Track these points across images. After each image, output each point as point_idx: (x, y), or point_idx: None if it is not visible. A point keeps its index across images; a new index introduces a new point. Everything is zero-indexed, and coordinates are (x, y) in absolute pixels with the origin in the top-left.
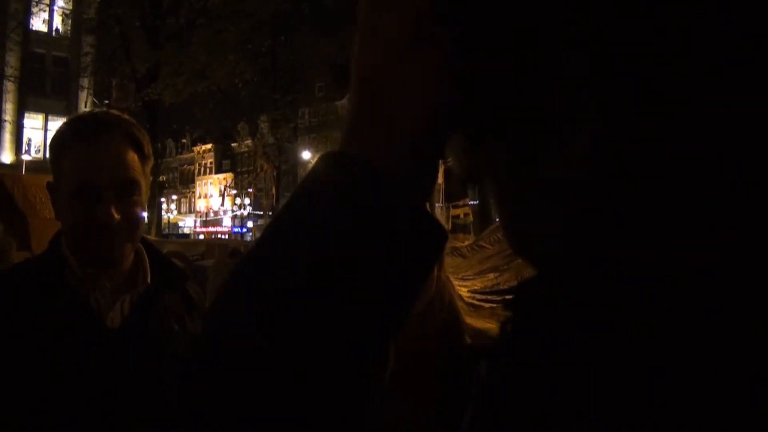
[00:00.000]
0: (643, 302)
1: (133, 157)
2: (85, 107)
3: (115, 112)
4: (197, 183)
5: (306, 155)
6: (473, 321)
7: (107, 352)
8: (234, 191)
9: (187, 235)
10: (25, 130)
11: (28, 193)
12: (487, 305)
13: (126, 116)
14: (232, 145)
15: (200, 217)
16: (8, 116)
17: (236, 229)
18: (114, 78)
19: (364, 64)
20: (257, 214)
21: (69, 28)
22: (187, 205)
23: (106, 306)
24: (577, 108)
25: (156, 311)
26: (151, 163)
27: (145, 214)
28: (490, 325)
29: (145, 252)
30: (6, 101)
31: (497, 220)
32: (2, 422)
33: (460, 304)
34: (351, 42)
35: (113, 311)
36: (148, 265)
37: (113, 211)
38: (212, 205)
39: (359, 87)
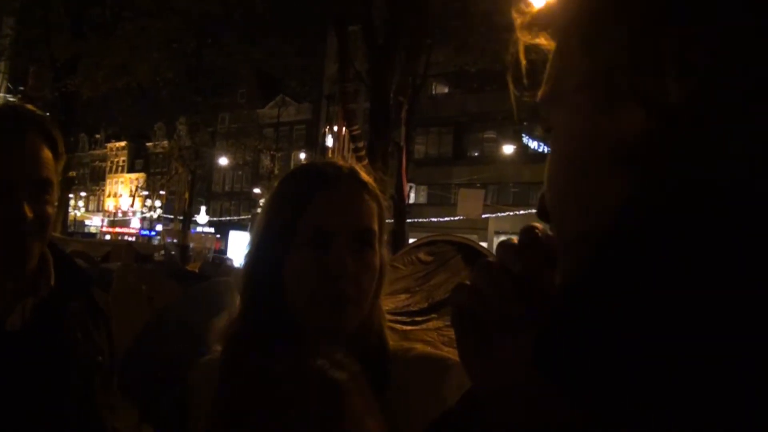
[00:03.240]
0: None
1: (48, 155)
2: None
3: (30, 107)
4: (108, 181)
5: (223, 161)
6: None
7: (4, 357)
8: (145, 192)
9: (93, 235)
10: None
11: None
12: (398, 326)
13: (40, 112)
14: (147, 144)
15: (108, 216)
16: None
17: (144, 232)
18: (32, 65)
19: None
20: (168, 218)
21: None
22: (96, 203)
23: (6, 309)
24: None
25: (59, 317)
26: (63, 161)
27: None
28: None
29: (49, 253)
30: None
31: (410, 242)
32: None
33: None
34: (279, 50)
35: (13, 315)
36: (52, 267)
37: (26, 209)
38: (121, 205)
39: None
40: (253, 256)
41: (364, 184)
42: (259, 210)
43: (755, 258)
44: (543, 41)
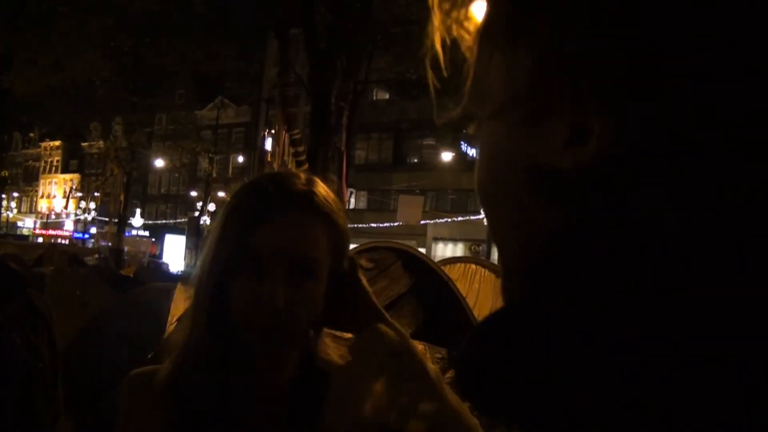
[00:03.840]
0: None
1: None
2: None
3: None
4: (41, 181)
5: (159, 163)
6: None
7: None
8: (79, 194)
9: (26, 237)
10: None
11: None
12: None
13: None
14: (82, 144)
15: (41, 218)
16: None
17: (78, 235)
18: None
19: None
20: (102, 220)
21: None
22: (29, 204)
23: None
24: None
25: None
26: None
27: None
28: None
29: None
30: None
31: (351, 247)
32: None
33: None
34: (218, 52)
35: None
36: None
37: None
38: (55, 206)
39: None
40: (206, 272)
41: (317, 208)
42: (197, 214)
43: (668, 301)
44: (465, 35)
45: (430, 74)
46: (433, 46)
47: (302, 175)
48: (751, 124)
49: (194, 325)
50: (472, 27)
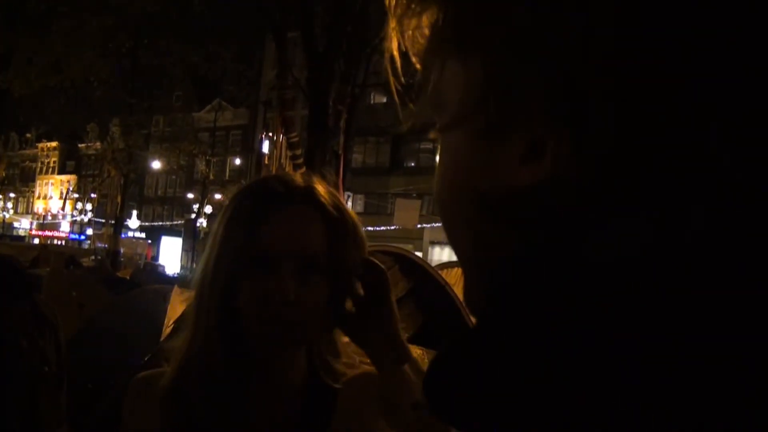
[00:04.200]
0: None
1: None
2: None
3: None
4: (38, 182)
5: (156, 165)
6: None
7: None
8: (76, 195)
9: (22, 238)
10: None
11: None
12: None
13: None
14: (80, 145)
15: (38, 219)
16: None
17: (74, 236)
18: None
19: None
20: (99, 222)
21: None
22: (25, 205)
23: None
24: None
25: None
26: None
27: None
28: None
29: None
30: None
31: None
32: None
33: None
34: (216, 54)
35: None
36: None
37: None
38: (51, 207)
39: None
40: (210, 274)
41: (319, 203)
42: (194, 216)
43: (628, 329)
44: (419, 40)
45: (391, 79)
46: (391, 51)
47: (301, 174)
48: (710, 130)
49: (197, 328)
50: (425, 33)
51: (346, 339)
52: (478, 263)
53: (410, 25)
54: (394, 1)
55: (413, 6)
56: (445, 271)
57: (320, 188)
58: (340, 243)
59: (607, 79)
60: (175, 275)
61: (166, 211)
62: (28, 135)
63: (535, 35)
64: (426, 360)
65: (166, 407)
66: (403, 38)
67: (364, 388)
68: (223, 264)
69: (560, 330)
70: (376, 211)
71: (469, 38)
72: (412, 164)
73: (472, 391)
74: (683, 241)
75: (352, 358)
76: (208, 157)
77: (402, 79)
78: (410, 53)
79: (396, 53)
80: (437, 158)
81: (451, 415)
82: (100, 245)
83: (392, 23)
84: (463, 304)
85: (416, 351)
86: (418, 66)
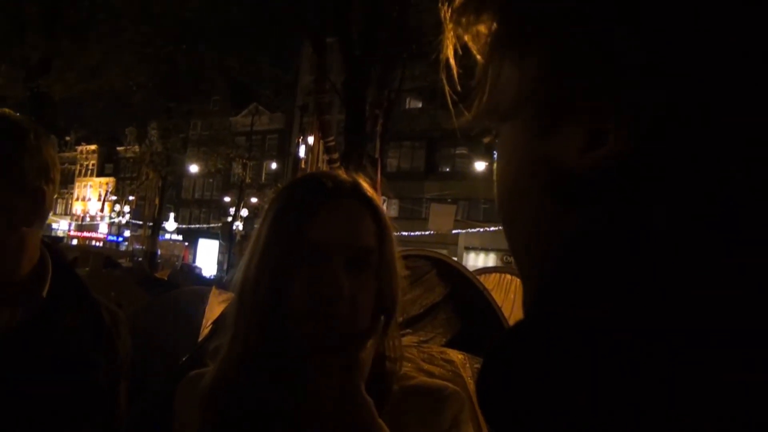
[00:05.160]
0: None
1: None
2: None
3: (12, 113)
4: (77, 184)
5: (193, 168)
6: None
7: None
8: (114, 197)
9: (60, 239)
10: None
11: None
12: None
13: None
14: (118, 149)
15: (76, 220)
16: None
17: (112, 238)
18: (3, 64)
19: None
20: (136, 224)
21: None
22: (64, 206)
23: None
24: None
25: (47, 333)
26: None
27: None
28: None
29: (49, 260)
30: None
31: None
32: None
33: None
34: (253, 59)
35: None
36: (49, 275)
37: None
38: (90, 209)
39: None
40: (254, 273)
41: (368, 200)
42: (230, 219)
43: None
44: (476, 45)
45: (446, 86)
46: (447, 58)
47: (345, 172)
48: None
49: (237, 329)
50: (482, 37)
51: (403, 341)
52: (537, 250)
53: (466, 33)
54: (449, 11)
55: (468, 15)
56: (483, 276)
57: (366, 185)
58: (388, 241)
59: (667, 65)
60: (212, 277)
61: (203, 213)
62: (68, 138)
63: (596, 30)
64: (468, 365)
65: (205, 408)
66: (459, 44)
67: (417, 399)
68: (270, 261)
69: (630, 315)
70: (410, 215)
71: (526, 40)
72: (447, 169)
73: (534, 394)
74: (737, 223)
75: (411, 362)
76: (244, 161)
77: (458, 87)
78: (474, 52)
79: (452, 60)
80: (496, 156)
81: (505, 424)
82: (137, 247)
83: (448, 30)
84: (501, 311)
85: (458, 356)
86: (479, 64)
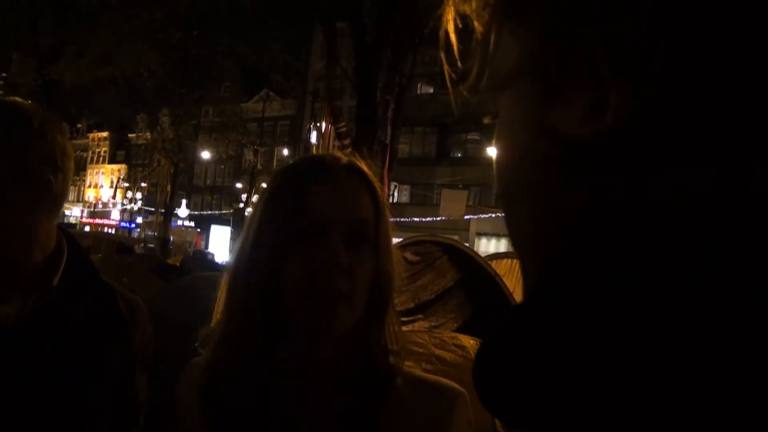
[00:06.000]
0: None
1: None
2: None
3: (20, 100)
4: (89, 171)
5: (206, 155)
6: None
7: None
8: (126, 184)
9: (73, 225)
10: None
11: None
12: None
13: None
14: (130, 135)
15: (88, 207)
16: None
17: (124, 224)
18: (15, 52)
19: None
20: (149, 210)
21: None
22: (76, 193)
23: None
24: None
25: (57, 321)
26: None
27: None
28: None
29: (66, 247)
30: None
31: (394, 241)
32: None
33: None
34: (265, 46)
35: (7, 306)
36: (63, 263)
37: None
38: (102, 196)
39: None
40: (247, 253)
41: (363, 175)
42: (242, 205)
43: (707, 295)
44: (477, 12)
45: (445, 67)
46: (446, 36)
47: (342, 152)
48: None
49: (231, 313)
50: (482, 6)
51: (399, 328)
52: (539, 225)
53: (466, 3)
54: None
55: None
56: (495, 262)
57: (363, 164)
58: (384, 219)
59: (668, 27)
60: (224, 263)
61: (215, 200)
62: (79, 125)
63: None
64: None
65: (202, 395)
66: (459, 15)
67: (427, 398)
68: (264, 241)
69: (639, 294)
70: (422, 201)
71: (526, 7)
72: (459, 155)
73: (533, 376)
74: (746, 189)
75: (421, 348)
76: (256, 147)
77: (459, 63)
78: (474, 23)
79: (453, 36)
80: (496, 128)
81: (503, 410)
82: (149, 233)
83: (448, 4)
84: (513, 296)
85: (469, 341)
86: (477, 33)
